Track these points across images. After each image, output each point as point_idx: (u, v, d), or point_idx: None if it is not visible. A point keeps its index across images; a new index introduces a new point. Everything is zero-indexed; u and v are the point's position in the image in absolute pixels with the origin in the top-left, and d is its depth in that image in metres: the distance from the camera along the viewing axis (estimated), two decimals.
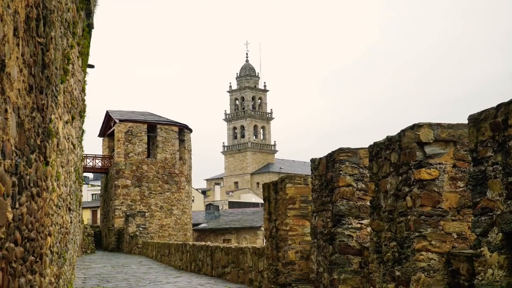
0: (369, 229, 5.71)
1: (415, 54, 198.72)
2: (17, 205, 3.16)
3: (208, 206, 53.65)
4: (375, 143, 5.31)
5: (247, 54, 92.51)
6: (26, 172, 3.45)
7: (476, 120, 3.62)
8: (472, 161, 3.69)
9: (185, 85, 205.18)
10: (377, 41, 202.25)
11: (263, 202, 10.02)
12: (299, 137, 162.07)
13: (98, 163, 35.81)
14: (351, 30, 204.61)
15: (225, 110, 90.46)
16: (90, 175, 70.57)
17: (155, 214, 34.02)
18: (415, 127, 4.52)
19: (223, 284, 11.29)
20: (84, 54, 9.92)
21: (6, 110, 2.79)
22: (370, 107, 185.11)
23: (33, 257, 3.91)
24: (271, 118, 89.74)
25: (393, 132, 4.94)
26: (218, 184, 76.68)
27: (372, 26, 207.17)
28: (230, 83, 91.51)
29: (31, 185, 3.72)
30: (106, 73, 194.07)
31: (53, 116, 5.04)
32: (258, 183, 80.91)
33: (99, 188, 47.27)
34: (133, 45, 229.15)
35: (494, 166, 3.42)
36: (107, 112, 36.22)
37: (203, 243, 15.87)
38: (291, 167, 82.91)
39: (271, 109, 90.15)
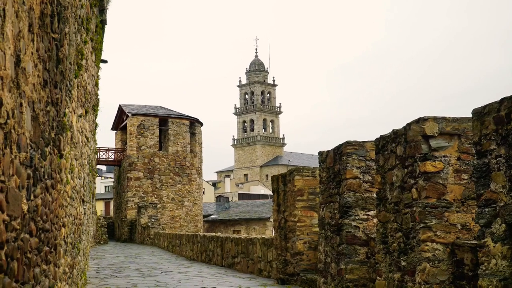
0: (375, 220, 5.78)
1: (419, 50, 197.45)
2: (32, 197, 3.19)
3: (218, 198, 53.98)
4: (381, 136, 5.36)
5: (256, 49, 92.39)
6: (40, 164, 3.50)
7: (480, 114, 3.66)
8: (476, 154, 3.72)
9: (196, 80, 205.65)
10: (382, 37, 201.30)
11: (272, 194, 10.10)
12: (307, 131, 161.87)
13: (111, 155, 36.11)
14: (357, 26, 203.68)
15: (235, 104, 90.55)
16: (103, 168, 71.12)
17: (167, 206, 34.30)
18: (421, 120, 4.56)
19: (233, 274, 11.42)
20: (97, 49, 10.03)
21: (21, 104, 2.84)
22: (376, 101, 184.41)
23: (47, 248, 3.94)
24: (280, 112, 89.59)
25: (399, 125, 5.00)
26: (228, 176, 76.91)
27: (377, 22, 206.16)
28: (239, 77, 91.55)
29: (46, 177, 3.75)
30: (119, 68, 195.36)
31: (67, 110, 5.12)
32: (267, 175, 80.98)
33: (112, 180, 47.72)
34: (145, 41, 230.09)
35: (498, 159, 3.46)
36: (119, 106, 36.45)
37: (213, 234, 15.99)
38: (299, 160, 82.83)
39: (280, 103, 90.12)
